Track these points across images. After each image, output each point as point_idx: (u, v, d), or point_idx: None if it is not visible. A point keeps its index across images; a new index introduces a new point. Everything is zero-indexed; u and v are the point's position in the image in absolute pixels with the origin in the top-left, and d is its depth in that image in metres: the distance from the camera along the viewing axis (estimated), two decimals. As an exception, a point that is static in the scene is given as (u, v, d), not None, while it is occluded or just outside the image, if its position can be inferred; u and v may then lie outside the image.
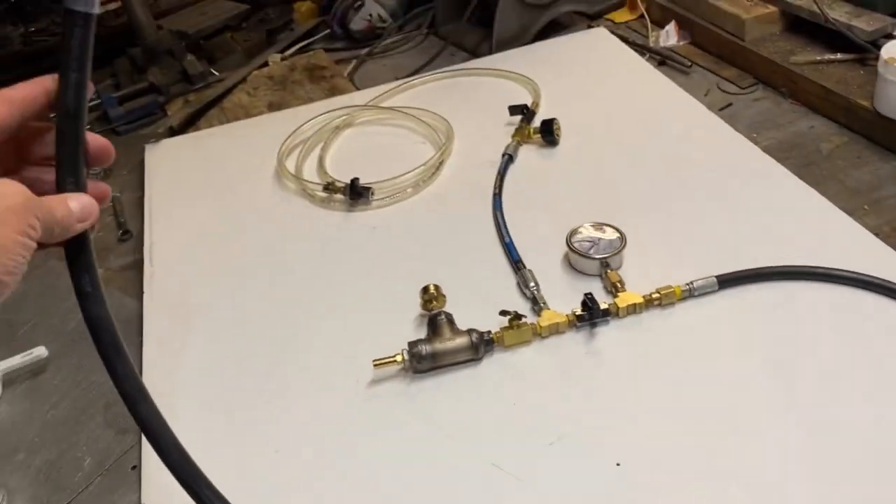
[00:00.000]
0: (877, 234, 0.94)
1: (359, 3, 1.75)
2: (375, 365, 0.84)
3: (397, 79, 1.48)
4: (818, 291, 0.87)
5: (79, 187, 0.45)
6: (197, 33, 1.83)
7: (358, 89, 1.53)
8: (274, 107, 1.53)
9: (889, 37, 1.13)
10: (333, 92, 1.54)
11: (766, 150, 1.12)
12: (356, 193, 1.14)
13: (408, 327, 0.92)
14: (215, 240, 1.14)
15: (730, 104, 1.26)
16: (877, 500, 0.67)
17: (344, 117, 1.34)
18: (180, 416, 0.84)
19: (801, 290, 0.88)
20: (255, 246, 1.11)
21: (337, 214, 1.15)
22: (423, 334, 0.88)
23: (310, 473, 0.77)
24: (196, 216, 1.20)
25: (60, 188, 0.45)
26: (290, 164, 1.25)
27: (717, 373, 0.80)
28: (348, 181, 1.14)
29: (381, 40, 1.73)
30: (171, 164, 1.36)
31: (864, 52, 1.18)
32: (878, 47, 1.14)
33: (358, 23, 1.76)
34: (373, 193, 1.15)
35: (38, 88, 0.46)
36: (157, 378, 0.91)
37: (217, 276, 1.07)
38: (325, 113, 1.35)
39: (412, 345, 0.85)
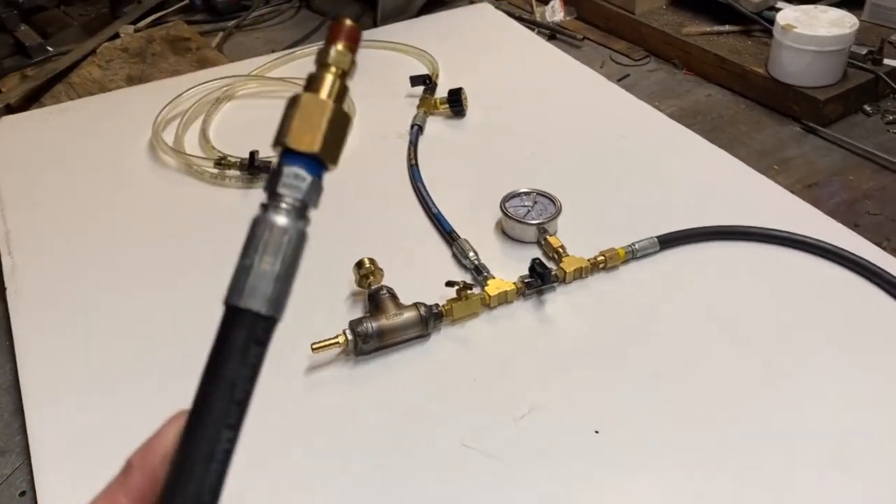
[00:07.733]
0: (791, 192, 0.97)
1: (222, -28, 1.60)
2: (314, 349, 0.74)
3: (274, 52, 1.36)
4: (752, 249, 0.88)
5: None
6: (27, 1, 1.59)
7: (230, 62, 1.39)
8: (134, 80, 1.36)
9: (773, 9, 1.18)
10: (203, 64, 1.39)
11: (671, 116, 1.13)
12: (256, 168, 1.02)
13: (341, 308, 0.82)
14: (86, 224, 0.98)
15: (627, 75, 1.27)
16: (840, 451, 0.67)
17: (225, 88, 1.21)
18: (72, 424, 0.70)
19: (736, 249, 0.88)
20: (137, 229, 0.97)
21: (233, 192, 1.03)
22: (360, 314, 0.79)
23: (254, 480, 0.66)
24: (61, 199, 1.02)
25: None
26: (168, 139, 1.11)
27: (670, 330, 0.79)
28: (242, 156, 1.02)
29: (250, 12, 1.59)
30: (18, 143, 1.16)
31: (750, 23, 1.23)
32: (764, 18, 1.19)
33: (223, -7, 1.61)
34: (273, 168, 1.03)
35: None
36: (39, 386, 0.75)
37: (96, 266, 0.91)
38: (202, 84, 1.21)
39: (355, 323, 0.76)
